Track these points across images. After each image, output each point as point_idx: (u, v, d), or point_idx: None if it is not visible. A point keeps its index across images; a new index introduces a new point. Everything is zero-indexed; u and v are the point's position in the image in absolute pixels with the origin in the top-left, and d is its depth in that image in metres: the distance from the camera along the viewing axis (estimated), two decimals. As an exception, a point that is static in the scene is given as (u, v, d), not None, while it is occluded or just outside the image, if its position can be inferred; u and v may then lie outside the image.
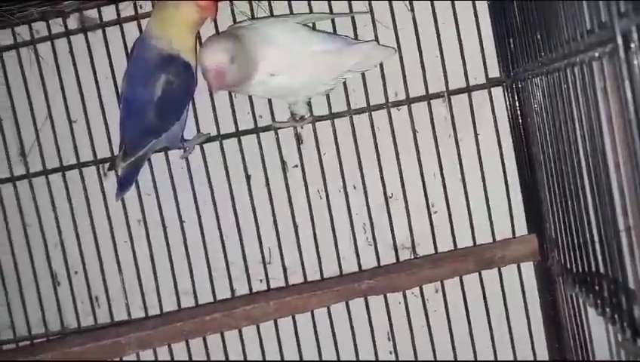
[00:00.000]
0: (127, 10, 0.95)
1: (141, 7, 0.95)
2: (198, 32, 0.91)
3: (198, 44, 0.91)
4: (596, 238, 0.60)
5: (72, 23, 0.96)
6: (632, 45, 0.43)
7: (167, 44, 0.86)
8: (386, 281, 0.88)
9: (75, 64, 0.96)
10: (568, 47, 0.58)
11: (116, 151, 0.94)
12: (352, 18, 0.93)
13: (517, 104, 0.88)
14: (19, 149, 0.98)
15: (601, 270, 0.60)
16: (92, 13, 0.95)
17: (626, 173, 0.50)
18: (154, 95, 0.86)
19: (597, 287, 0.62)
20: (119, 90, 0.93)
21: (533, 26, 0.71)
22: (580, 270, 0.67)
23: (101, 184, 0.97)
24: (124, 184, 0.92)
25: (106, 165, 0.96)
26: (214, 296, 0.97)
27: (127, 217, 0.97)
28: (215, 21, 0.93)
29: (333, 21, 0.93)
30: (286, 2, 0.93)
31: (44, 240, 0.98)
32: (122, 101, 0.89)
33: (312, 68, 0.88)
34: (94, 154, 0.96)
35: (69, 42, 0.95)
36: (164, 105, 0.87)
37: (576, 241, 0.67)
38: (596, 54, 0.52)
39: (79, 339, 0.88)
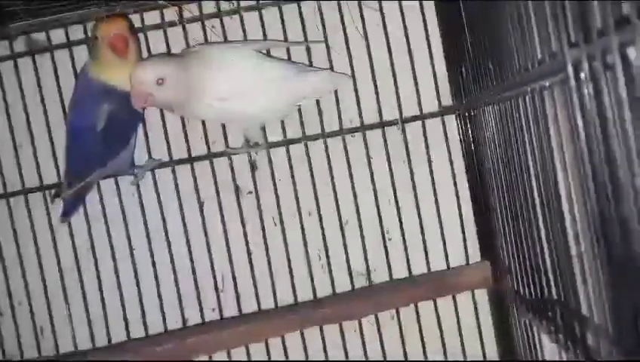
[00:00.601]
0: (76, 33, 0.92)
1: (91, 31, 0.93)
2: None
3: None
4: (549, 265, 0.60)
5: (19, 45, 0.93)
6: (582, 75, 0.44)
7: (104, 78, 0.86)
8: (342, 309, 0.88)
9: (21, 88, 0.93)
10: (519, 76, 0.59)
11: (63, 178, 0.92)
12: (307, 45, 0.93)
13: (469, 132, 0.89)
14: (-39, 175, 0.94)
15: (554, 296, 0.60)
16: (40, 35, 0.93)
17: (577, 200, 0.51)
18: (96, 125, 0.86)
19: (550, 314, 0.62)
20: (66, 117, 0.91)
21: (484, 54, 0.72)
22: (533, 296, 0.67)
23: (47, 211, 0.93)
24: (68, 210, 0.90)
25: (53, 191, 0.93)
26: (165, 326, 0.94)
27: (74, 245, 0.94)
28: (168, 45, 0.92)
29: (288, 48, 0.93)
30: (240, 28, 0.93)
31: (-15, 270, 0.94)
32: (67, 130, 0.89)
33: (264, 94, 0.88)
34: (40, 180, 0.93)
35: (16, 65, 0.93)
36: (106, 136, 0.86)
37: (528, 268, 0.68)
38: (547, 83, 0.53)
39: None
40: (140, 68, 0.84)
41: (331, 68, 0.93)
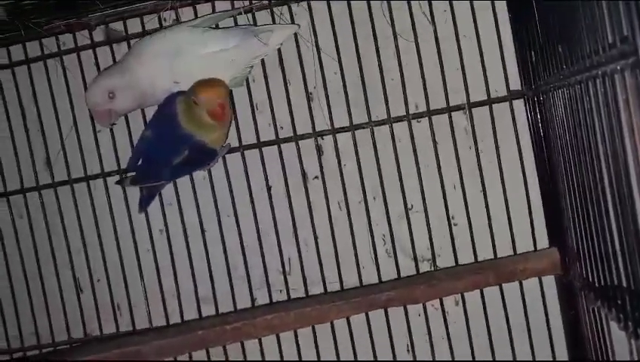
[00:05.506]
0: (151, 22, 0.96)
1: (165, 20, 0.96)
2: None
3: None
4: (618, 251, 0.59)
5: (98, 35, 0.97)
6: (654, 58, 0.43)
7: (196, 133, 0.88)
8: (406, 293, 0.88)
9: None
10: (590, 60, 0.58)
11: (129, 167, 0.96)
12: (373, 31, 0.93)
13: (538, 116, 0.88)
14: (44, 159, 1.00)
15: (624, 283, 0.59)
16: (117, 25, 0.97)
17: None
18: (171, 161, 0.89)
19: (619, 301, 0.61)
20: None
21: (554, 39, 0.71)
22: (602, 283, 0.67)
23: (125, 193, 0.98)
24: (144, 202, 0.95)
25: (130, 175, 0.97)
26: (235, 305, 0.97)
27: (149, 226, 0.98)
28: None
29: (353, 24, 0.93)
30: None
31: (67, 248, 0.99)
32: (144, 135, 0.92)
33: (209, 70, 0.88)
34: (118, 164, 0.98)
35: (95, 54, 0.97)
36: (176, 172, 0.92)
37: (598, 254, 0.67)
38: (618, 67, 0.52)
39: (101, 346, 0.89)
40: (88, 92, 0.89)
41: (398, 54, 0.93)
